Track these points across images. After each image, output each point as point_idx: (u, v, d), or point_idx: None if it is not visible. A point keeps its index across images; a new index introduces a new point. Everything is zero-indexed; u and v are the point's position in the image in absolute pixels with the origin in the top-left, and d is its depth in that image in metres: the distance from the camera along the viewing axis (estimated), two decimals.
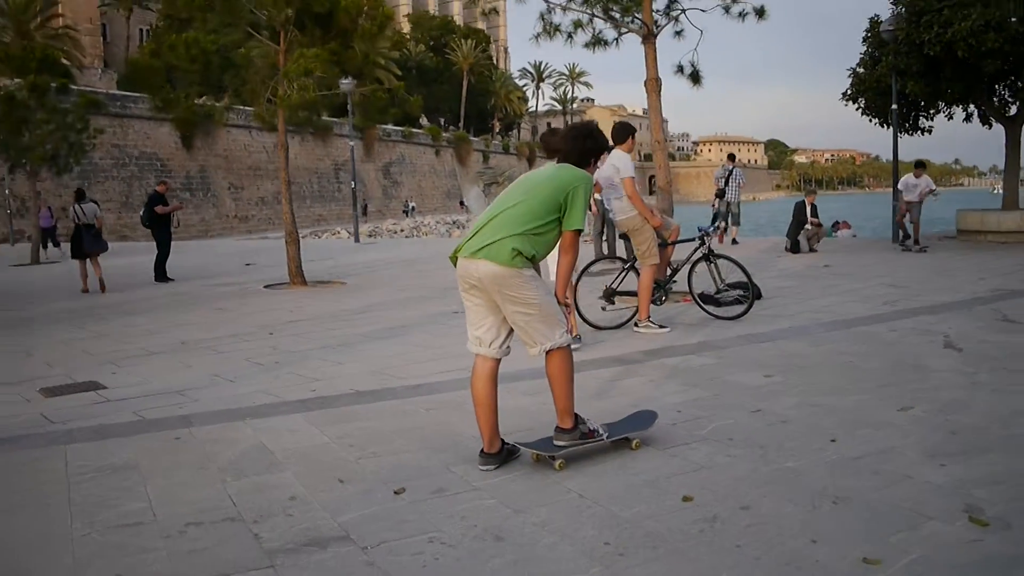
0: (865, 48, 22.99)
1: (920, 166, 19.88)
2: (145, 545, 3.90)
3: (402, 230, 57.22)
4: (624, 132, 9.06)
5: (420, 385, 6.92)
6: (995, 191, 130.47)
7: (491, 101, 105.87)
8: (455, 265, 4.72)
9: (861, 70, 22.98)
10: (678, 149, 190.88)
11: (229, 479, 4.77)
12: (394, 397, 6.56)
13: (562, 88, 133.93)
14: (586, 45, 12.84)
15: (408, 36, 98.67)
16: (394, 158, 72.94)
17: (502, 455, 4.76)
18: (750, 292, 9.50)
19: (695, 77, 12.65)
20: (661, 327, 8.88)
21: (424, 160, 76.98)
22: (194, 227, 48.51)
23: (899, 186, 19.69)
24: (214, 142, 52.53)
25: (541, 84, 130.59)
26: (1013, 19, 19.00)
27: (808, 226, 18.52)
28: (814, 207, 18.73)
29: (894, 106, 21.06)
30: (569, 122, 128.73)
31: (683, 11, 12.71)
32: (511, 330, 4.70)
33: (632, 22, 12.28)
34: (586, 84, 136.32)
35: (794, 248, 18.30)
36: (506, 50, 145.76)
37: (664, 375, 7.03)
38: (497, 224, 4.58)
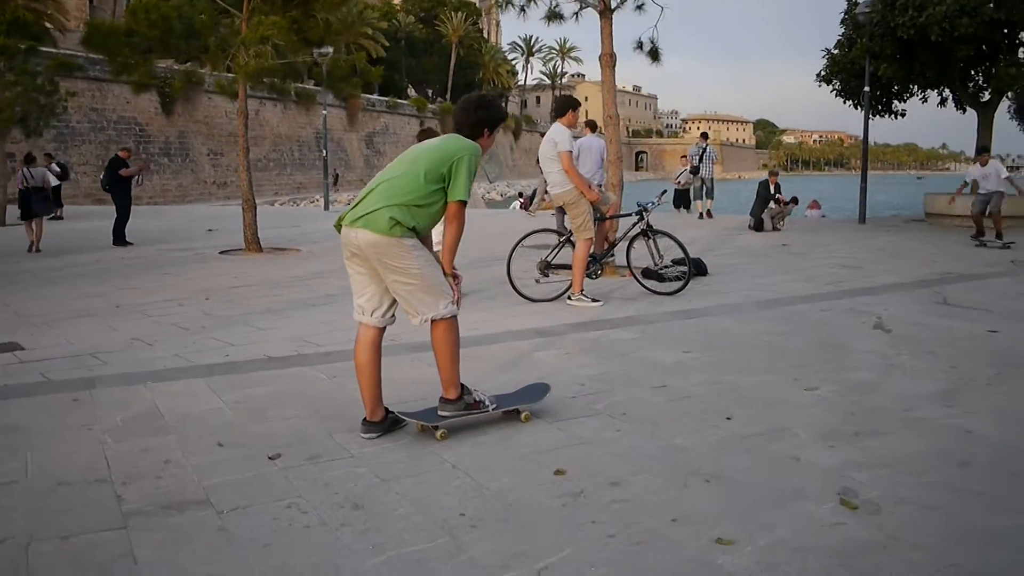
0: (843, 30, 22.96)
1: (984, 151, 16.85)
2: (12, 504, 3.85)
3: None
4: (564, 106, 8.98)
5: (333, 352, 6.84)
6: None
7: (479, 74, 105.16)
8: (339, 233, 4.64)
9: (836, 52, 22.96)
10: (667, 126, 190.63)
11: (111, 441, 4.70)
12: (304, 364, 6.48)
13: (552, 63, 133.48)
14: (543, 19, 12.63)
15: (398, 6, 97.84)
16: (378, 128, 72.43)
17: (385, 424, 4.70)
18: (687, 268, 9.45)
19: (654, 54, 12.47)
20: (594, 301, 8.82)
21: (408, 131, 76.34)
22: (171, 192, 48.10)
23: (968, 178, 16.85)
24: (194, 108, 51.93)
25: (531, 58, 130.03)
26: (991, 4, 18.96)
27: (772, 205, 18.49)
28: (778, 186, 18.70)
29: (866, 88, 21.02)
30: (558, 96, 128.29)
31: None
32: (394, 300, 4.63)
33: None
34: (576, 59, 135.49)
35: (758, 226, 18.28)
36: (498, 24, 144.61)
37: (581, 348, 6.97)
38: (379, 194, 4.49)
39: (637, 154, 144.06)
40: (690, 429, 4.84)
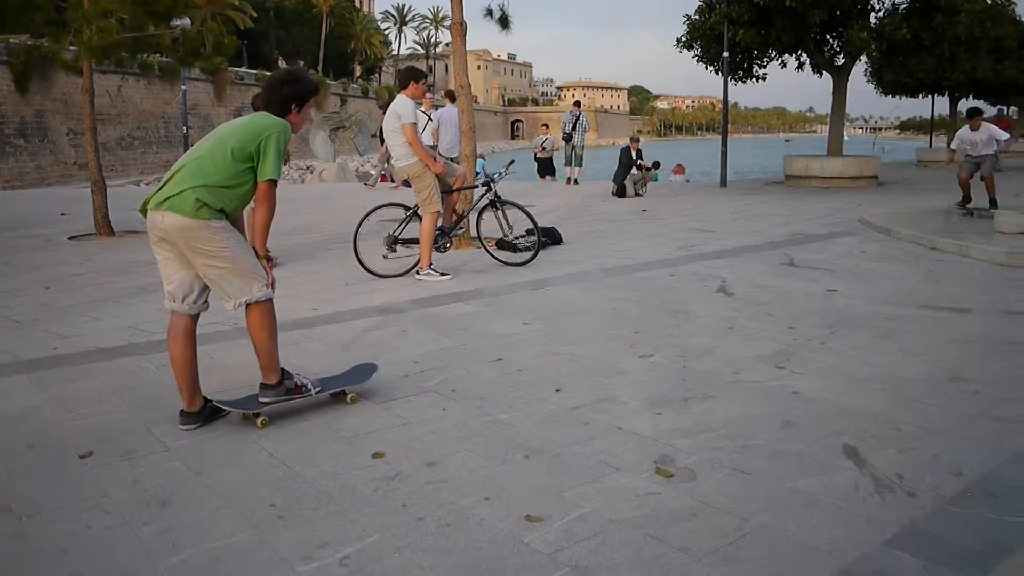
0: None
1: (976, 114, 15.04)
2: None
3: None
4: (407, 77, 8.84)
5: (164, 341, 6.59)
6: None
7: (351, 44, 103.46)
8: (144, 217, 4.46)
9: (696, 17, 23.27)
10: (542, 94, 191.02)
11: None
12: (135, 354, 6.22)
13: (426, 32, 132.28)
14: None
15: None
16: (247, 102, 70.51)
17: (204, 414, 4.56)
18: (536, 238, 9.47)
19: (504, 21, 12.45)
20: (443, 275, 8.76)
21: None
22: (29, 175, 45.93)
23: (955, 144, 15.33)
24: (51, 85, 49.66)
25: (404, 28, 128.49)
26: None
27: (634, 171, 18.72)
28: (639, 152, 18.93)
29: (725, 54, 21.42)
30: (432, 66, 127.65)
31: None
32: (206, 285, 4.48)
33: None
34: (450, 28, 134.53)
35: (620, 193, 18.49)
36: None
37: (420, 325, 6.90)
38: (183, 175, 4.31)
39: (513, 123, 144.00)
40: (518, 403, 4.83)
